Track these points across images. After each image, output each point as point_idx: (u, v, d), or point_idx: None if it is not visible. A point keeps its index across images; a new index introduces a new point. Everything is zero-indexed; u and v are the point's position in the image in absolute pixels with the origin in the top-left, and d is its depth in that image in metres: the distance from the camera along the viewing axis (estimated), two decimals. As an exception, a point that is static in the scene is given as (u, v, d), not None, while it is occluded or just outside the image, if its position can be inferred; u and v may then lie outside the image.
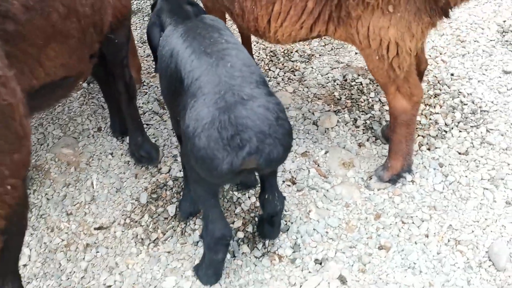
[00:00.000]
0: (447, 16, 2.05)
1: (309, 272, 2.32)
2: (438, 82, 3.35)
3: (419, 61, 2.55)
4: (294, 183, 2.76)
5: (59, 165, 2.92)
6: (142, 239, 2.50)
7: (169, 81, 2.09)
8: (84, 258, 2.43)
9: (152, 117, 3.25)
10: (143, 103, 3.31)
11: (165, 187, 2.76)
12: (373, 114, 3.15)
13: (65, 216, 2.64)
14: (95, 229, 2.57)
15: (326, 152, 2.92)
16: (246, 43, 3.31)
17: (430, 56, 3.60)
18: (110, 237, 2.53)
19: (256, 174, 2.35)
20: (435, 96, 3.24)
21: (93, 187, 2.79)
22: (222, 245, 2.06)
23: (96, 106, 3.33)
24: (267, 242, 2.45)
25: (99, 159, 2.95)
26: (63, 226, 2.59)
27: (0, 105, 1.23)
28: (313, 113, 3.20)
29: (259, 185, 2.36)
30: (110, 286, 2.31)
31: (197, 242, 2.45)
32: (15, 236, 1.55)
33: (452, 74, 3.41)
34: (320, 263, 2.36)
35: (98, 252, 2.46)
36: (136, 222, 2.59)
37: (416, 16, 1.94)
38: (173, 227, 2.55)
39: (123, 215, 2.63)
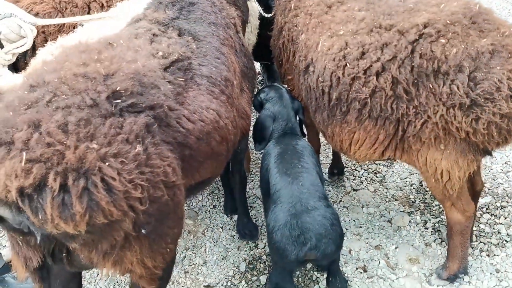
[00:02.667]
0: (490, 154, 2.63)
1: None
2: (507, 195, 3.78)
3: (475, 183, 3.08)
4: (365, 270, 3.32)
5: (182, 232, 3.76)
6: (239, 299, 3.21)
7: (264, 184, 2.91)
8: (194, 308, 3.19)
9: (255, 201, 4.05)
10: (249, 189, 4.13)
11: (260, 260, 3.47)
12: (442, 219, 3.64)
13: (183, 273, 3.44)
14: (204, 286, 3.33)
15: (396, 248, 3.46)
16: (335, 152, 4.06)
17: (502, 170, 4.05)
18: (215, 294, 3.27)
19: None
20: (502, 208, 3.67)
21: (205, 252, 3.59)
22: (295, 313, 2.70)
23: (213, 188, 4.22)
24: (337, 317, 3.02)
25: (212, 231, 3.78)
26: (181, 281, 3.39)
27: (175, 202, 2.06)
28: (389, 212, 3.78)
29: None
30: (212, 332, 3.02)
31: (281, 308, 3.09)
32: (165, 282, 2.34)
33: (520, 189, 3.83)
34: None
35: (205, 305, 3.21)
36: (235, 285, 3.31)
37: (462, 154, 2.54)
38: (263, 293, 3.23)
39: (226, 278, 3.37)
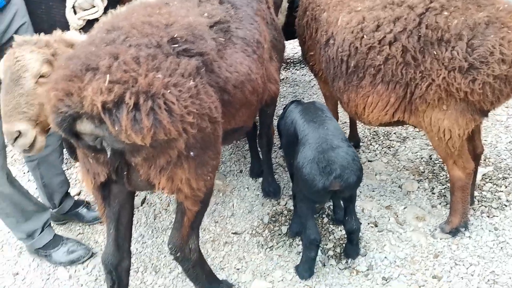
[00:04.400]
0: (486, 115, 3.01)
1: (377, 284, 3.23)
2: (509, 169, 4.12)
3: (476, 146, 3.45)
4: (376, 225, 3.71)
5: (218, 168, 3.97)
6: (262, 244, 3.63)
7: (288, 137, 3.35)
8: (223, 250, 3.62)
9: (277, 168, 4.48)
10: (272, 158, 4.56)
11: (281, 214, 3.90)
12: (448, 186, 4.00)
13: (213, 223, 3.89)
14: (232, 233, 3.77)
15: (404, 208, 3.84)
16: (353, 123, 4.48)
17: (506, 148, 4.39)
18: (241, 240, 3.70)
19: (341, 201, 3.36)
20: (503, 179, 4.01)
21: (233, 207, 4.03)
22: (314, 245, 3.10)
23: (240, 156, 4.67)
24: (349, 260, 3.42)
25: (239, 190, 4.23)
26: (212, 229, 3.83)
27: (215, 136, 2.50)
28: (399, 179, 4.17)
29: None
30: (238, 268, 3.45)
31: (299, 252, 3.50)
32: (204, 207, 2.77)
33: (522, 163, 4.17)
34: (386, 280, 3.25)
35: (232, 248, 3.64)
36: (259, 233, 3.74)
37: (461, 113, 2.93)
38: (284, 240, 3.65)
39: (251, 227, 3.80)
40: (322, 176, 2.82)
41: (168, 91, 2.11)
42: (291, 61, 6.87)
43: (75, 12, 3.11)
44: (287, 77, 6.37)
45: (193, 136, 2.29)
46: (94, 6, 3.14)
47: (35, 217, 3.52)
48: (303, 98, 5.82)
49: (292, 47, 6.96)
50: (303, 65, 6.60)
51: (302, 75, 6.44)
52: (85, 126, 2.14)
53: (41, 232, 3.56)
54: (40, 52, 2.51)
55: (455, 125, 3.02)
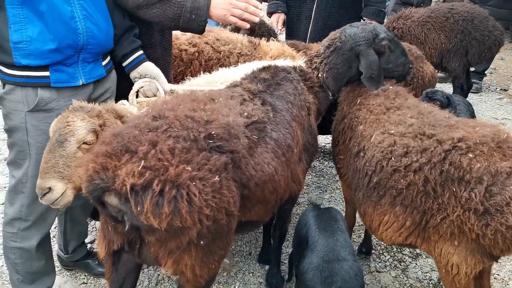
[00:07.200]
0: (495, 260, 3.02)
1: None
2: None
3: (483, 286, 3.42)
4: None
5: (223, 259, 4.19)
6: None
7: (299, 238, 3.45)
8: None
9: (287, 258, 4.52)
10: (284, 247, 4.62)
11: (279, 308, 3.91)
12: (452, 316, 3.94)
13: (211, 302, 3.92)
14: (227, 317, 3.79)
15: (403, 330, 3.80)
16: (367, 233, 4.53)
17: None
18: (234, 326, 3.71)
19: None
20: (510, 322, 3.93)
21: (234, 290, 4.08)
22: None
23: (252, 237, 4.75)
24: None
25: (243, 274, 4.27)
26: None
27: (228, 227, 2.62)
28: (404, 298, 4.14)
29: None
30: None
31: None
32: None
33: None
34: None
35: None
36: (253, 324, 3.75)
37: (471, 253, 2.95)
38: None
39: (246, 316, 3.82)
40: (323, 286, 2.89)
41: (193, 183, 2.27)
42: (322, 150, 7.04)
43: (137, 96, 3.34)
44: (314, 166, 6.51)
45: (207, 226, 2.43)
46: (155, 96, 3.37)
47: (39, 281, 3.51)
48: (326, 191, 5.93)
49: (325, 137, 7.15)
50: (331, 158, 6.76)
51: (330, 166, 6.57)
52: (112, 199, 2.31)
53: None
54: (90, 122, 2.76)
55: (463, 263, 3.04)
